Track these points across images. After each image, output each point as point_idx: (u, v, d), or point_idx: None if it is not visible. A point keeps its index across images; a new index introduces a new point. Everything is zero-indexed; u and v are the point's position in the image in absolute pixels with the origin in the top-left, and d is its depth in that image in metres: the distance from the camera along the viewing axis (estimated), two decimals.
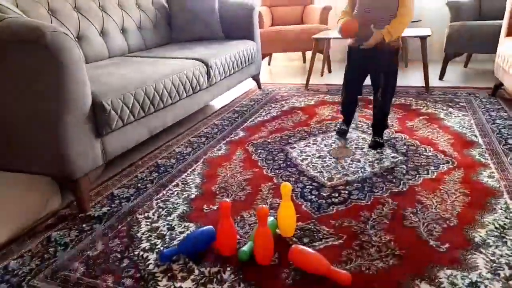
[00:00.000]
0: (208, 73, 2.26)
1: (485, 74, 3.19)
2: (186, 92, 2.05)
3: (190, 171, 1.73)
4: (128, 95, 1.59)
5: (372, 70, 1.85)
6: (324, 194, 1.47)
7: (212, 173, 1.70)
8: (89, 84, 1.40)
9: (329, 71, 3.74)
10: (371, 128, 1.98)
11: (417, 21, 3.74)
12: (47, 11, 2.01)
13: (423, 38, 2.71)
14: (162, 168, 1.79)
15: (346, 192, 1.47)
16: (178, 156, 1.91)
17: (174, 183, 1.62)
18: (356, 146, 1.92)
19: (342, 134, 2.02)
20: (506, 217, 1.24)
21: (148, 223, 1.34)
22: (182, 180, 1.65)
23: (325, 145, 1.95)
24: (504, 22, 2.42)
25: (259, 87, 3.25)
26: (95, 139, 1.46)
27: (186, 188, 1.58)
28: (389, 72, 1.81)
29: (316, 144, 1.97)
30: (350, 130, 2.08)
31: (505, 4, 2.41)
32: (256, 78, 3.20)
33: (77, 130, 1.36)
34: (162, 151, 1.99)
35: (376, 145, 1.86)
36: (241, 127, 2.29)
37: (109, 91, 1.51)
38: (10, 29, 1.26)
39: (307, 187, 1.53)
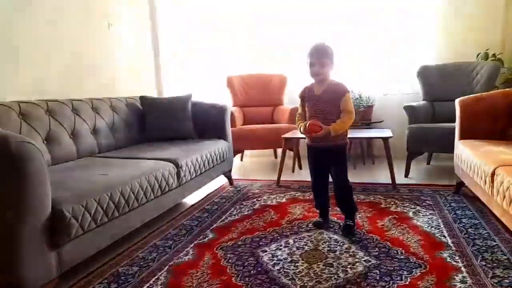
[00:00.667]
0: (178, 174, 2.26)
1: (447, 171, 3.35)
2: (154, 194, 2.01)
3: (153, 281, 1.61)
4: (91, 201, 1.54)
5: (328, 162, 2.11)
6: None
7: (177, 283, 1.59)
8: (50, 194, 1.35)
9: (300, 168, 3.84)
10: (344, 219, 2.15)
11: (380, 122, 4.01)
12: (18, 116, 2.03)
13: (385, 140, 2.87)
14: (122, 278, 1.65)
15: None
16: (141, 263, 1.79)
17: None
18: (329, 248, 1.87)
19: (318, 226, 2.17)
20: None
21: None
22: None
23: (297, 248, 1.89)
24: (457, 127, 2.63)
25: (231, 183, 3.26)
26: (50, 251, 1.36)
27: None
28: (341, 161, 2.09)
29: (288, 246, 1.92)
30: (322, 230, 2.05)
31: (455, 109, 2.65)
32: (227, 175, 3.22)
33: (32, 241, 1.28)
34: (125, 257, 1.87)
35: (347, 228, 2.05)
36: (211, 227, 2.22)
37: (71, 198, 1.46)
38: None
39: None
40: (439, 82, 3.56)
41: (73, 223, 1.43)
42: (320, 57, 1.97)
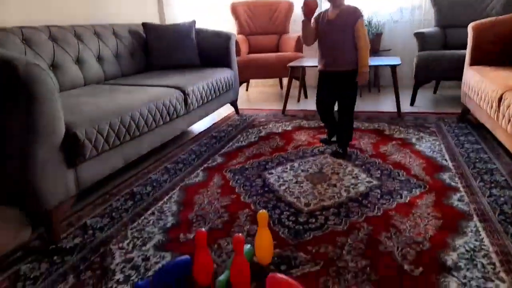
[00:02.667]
0: (185, 101, 2.28)
1: (453, 100, 3.34)
2: (163, 119, 2.05)
3: (167, 199, 1.71)
4: (103, 124, 1.58)
5: (338, 88, 2.09)
6: (301, 220, 1.48)
7: (189, 201, 1.69)
8: (62, 116, 1.38)
9: (306, 97, 3.83)
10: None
11: (388, 50, 3.91)
12: (21, 41, 2.00)
13: (393, 67, 2.83)
14: (137, 196, 1.76)
15: (323, 217, 1.49)
16: (154, 184, 1.89)
17: (149, 212, 1.60)
18: (332, 171, 1.95)
19: (325, 142, 2.37)
20: (475, 240, 1.28)
21: (123, 254, 1.31)
22: (158, 208, 1.63)
23: (302, 171, 1.97)
24: (467, 53, 2.57)
25: (237, 112, 3.29)
26: (67, 169, 1.43)
27: (162, 217, 1.55)
28: (351, 86, 2.08)
29: (293, 169, 1.99)
30: (326, 155, 2.12)
31: (467, 35, 2.57)
32: (234, 104, 3.24)
33: (49, 162, 1.33)
34: (138, 178, 1.96)
35: (335, 154, 2.15)
36: (219, 153, 2.30)
37: (83, 121, 1.50)
38: None
39: (284, 213, 1.54)
40: (453, 8, 3.40)
41: (87, 144, 1.48)
42: None
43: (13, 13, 2.20)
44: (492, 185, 1.69)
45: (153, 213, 1.58)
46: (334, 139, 2.32)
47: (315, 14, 2.00)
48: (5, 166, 1.31)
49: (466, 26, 2.59)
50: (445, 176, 1.81)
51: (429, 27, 3.54)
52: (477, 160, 1.98)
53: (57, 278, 1.20)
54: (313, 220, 1.47)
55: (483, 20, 2.51)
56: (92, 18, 2.78)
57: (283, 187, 1.78)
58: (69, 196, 1.46)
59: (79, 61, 2.34)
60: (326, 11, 2.03)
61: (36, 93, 1.26)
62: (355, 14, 1.94)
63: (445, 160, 2.01)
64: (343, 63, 2.01)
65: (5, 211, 1.45)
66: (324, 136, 2.44)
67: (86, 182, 1.54)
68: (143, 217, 1.55)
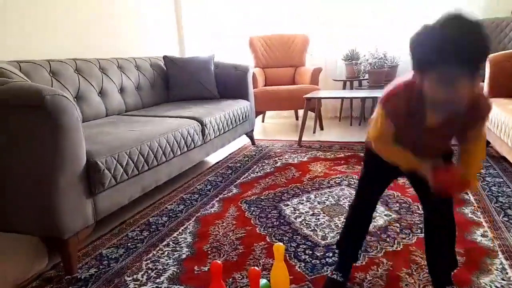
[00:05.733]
0: (203, 131, 2.32)
1: None
2: (180, 150, 2.08)
3: (182, 230, 1.71)
4: (122, 154, 1.62)
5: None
6: (318, 254, 1.45)
7: (204, 232, 1.68)
8: (84, 145, 1.42)
9: (321, 128, 3.84)
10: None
11: (396, 65, 3.81)
12: (49, 73, 2.10)
13: None
14: (153, 226, 1.76)
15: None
16: (170, 214, 1.89)
17: (165, 243, 1.59)
18: (350, 203, 1.91)
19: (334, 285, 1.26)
20: (502, 279, 1.22)
21: (137, 286, 1.30)
22: (173, 239, 1.62)
23: (319, 203, 1.94)
24: (485, 85, 2.55)
25: (253, 143, 3.31)
26: (86, 199, 1.45)
27: (177, 248, 1.54)
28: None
29: (310, 201, 1.97)
30: (343, 186, 2.10)
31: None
32: (250, 135, 3.27)
33: (70, 190, 1.36)
34: (155, 208, 1.97)
35: None
36: (235, 183, 2.30)
37: (104, 151, 1.53)
38: (12, 92, 1.32)
39: (301, 246, 1.51)
40: None
41: (106, 173, 1.51)
42: (473, 68, 0.83)
43: (43, 47, 2.32)
44: None
45: (168, 244, 1.58)
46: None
47: (388, 104, 1.00)
48: (27, 192, 1.34)
49: None
50: (467, 210, 1.76)
51: None
52: (500, 194, 1.92)
53: None
54: (330, 254, 1.44)
55: (500, 53, 2.52)
56: (117, 52, 2.90)
57: (299, 219, 1.76)
58: (87, 225, 1.47)
59: (102, 93, 2.43)
60: (417, 99, 0.94)
61: (62, 122, 1.31)
62: (484, 107, 0.96)
63: (466, 193, 1.96)
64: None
65: (23, 240, 1.47)
66: (332, 272, 1.29)
67: (103, 211, 1.55)
68: (158, 248, 1.55)
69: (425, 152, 1.03)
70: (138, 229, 1.74)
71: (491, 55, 2.51)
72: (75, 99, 2.22)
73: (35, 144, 1.31)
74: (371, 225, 1.44)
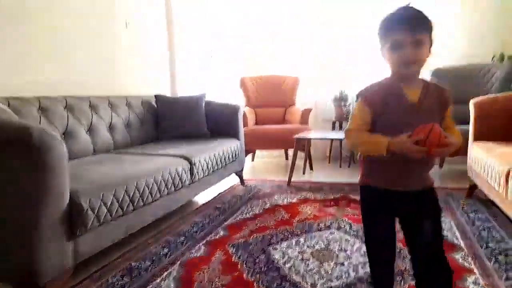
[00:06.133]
0: (191, 170, 2.29)
1: (460, 174, 3.31)
2: (168, 190, 2.05)
3: (165, 275, 1.64)
4: (107, 194, 1.58)
5: (411, 215, 1.17)
6: None
7: (189, 278, 1.61)
8: (68, 184, 1.39)
9: (311, 169, 3.84)
10: None
11: None
12: (38, 110, 2.08)
13: None
14: (135, 271, 1.68)
15: None
16: (153, 258, 1.82)
17: None
18: (339, 248, 1.87)
19: None
20: None
21: None
22: (155, 285, 1.55)
23: (308, 247, 1.90)
24: (471, 128, 2.61)
25: (242, 183, 3.28)
26: (67, 241, 1.40)
27: None
28: (436, 215, 1.18)
29: (299, 245, 1.93)
30: (333, 230, 2.06)
31: (469, 110, 2.63)
32: (239, 174, 3.24)
33: (50, 231, 1.31)
34: (138, 251, 1.90)
35: None
36: (222, 225, 2.25)
37: (88, 190, 1.50)
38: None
39: None
40: (454, 84, 3.52)
41: (89, 214, 1.47)
42: (415, 27, 1.05)
43: (35, 84, 2.33)
44: (508, 266, 1.61)
45: None
46: None
47: (364, 92, 1.15)
48: (4, 235, 1.28)
49: (468, 102, 2.66)
50: (458, 256, 1.73)
51: None
52: (490, 239, 1.90)
53: None
54: None
55: (484, 97, 2.59)
56: (109, 89, 2.91)
57: (288, 265, 1.71)
58: (66, 269, 1.40)
59: (91, 130, 2.41)
60: (392, 85, 1.13)
61: (47, 160, 1.29)
62: (447, 91, 1.17)
63: (456, 238, 1.94)
64: (426, 174, 1.18)
65: None
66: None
67: (84, 254, 1.49)
68: None
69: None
70: (120, 273, 1.66)
71: (474, 100, 2.59)
72: (63, 136, 2.19)
73: (19, 181, 1.27)
74: (362, 271, 1.41)
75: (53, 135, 1.32)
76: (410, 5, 1.10)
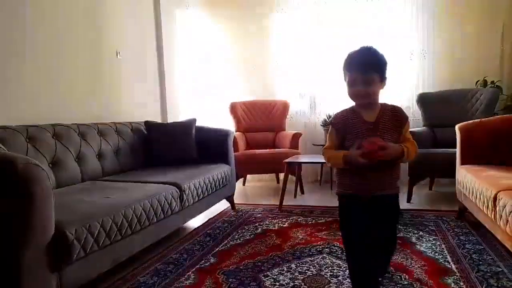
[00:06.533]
0: (181, 197, 2.27)
1: (450, 197, 3.33)
2: (157, 217, 2.02)
3: None
4: (94, 223, 1.55)
5: (378, 220, 1.48)
6: None
7: None
8: (53, 216, 1.36)
9: (302, 192, 3.83)
10: None
11: None
12: (25, 139, 2.07)
13: None
14: None
15: None
16: (142, 287, 1.77)
17: None
18: (331, 273, 1.85)
19: None
20: None
21: None
22: None
23: (299, 273, 1.87)
24: (457, 152, 2.64)
25: (233, 208, 3.25)
26: (51, 273, 1.36)
27: None
28: (394, 218, 1.58)
29: (290, 271, 1.90)
30: (324, 255, 2.04)
31: (455, 135, 2.68)
32: (230, 199, 3.22)
33: (34, 265, 1.28)
34: (126, 281, 1.85)
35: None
36: (213, 252, 2.21)
37: (74, 220, 1.47)
38: None
39: None
40: (439, 109, 3.61)
41: (75, 245, 1.43)
42: (365, 70, 1.36)
43: (23, 112, 2.32)
44: None
45: None
46: None
47: (333, 118, 1.54)
48: None
49: (453, 126, 2.71)
50: (450, 280, 1.72)
51: (419, 126, 3.71)
52: (481, 263, 1.90)
53: None
54: None
55: (469, 122, 2.64)
56: (98, 117, 2.91)
57: None
58: None
59: (79, 158, 2.39)
60: (354, 111, 1.48)
61: (32, 192, 1.26)
62: (403, 112, 1.48)
63: (448, 262, 1.93)
64: (391, 182, 1.46)
65: None
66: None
67: (70, 286, 1.45)
68: None
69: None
70: None
71: (460, 124, 2.64)
72: (50, 165, 2.17)
73: (2, 214, 1.24)
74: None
75: (38, 167, 1.30)
76: (369, 47, 1.41)
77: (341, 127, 1.47)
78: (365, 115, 1.45)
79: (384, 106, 1.48)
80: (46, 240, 1.33)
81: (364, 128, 1.42)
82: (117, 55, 3.26)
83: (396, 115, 1.46)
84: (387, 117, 1.44)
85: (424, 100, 3.70)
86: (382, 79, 1.41)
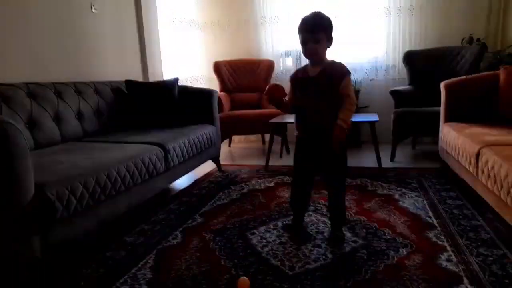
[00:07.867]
0: (166, 158, 2.23)
1: (432, 155, 3.40)
2: (141, 178, 1.98)
3: (142, 265, 1.60)
4: (76, 184, 1.51)
5: (323, 158, 1.74)
6: (285, 286, 1.39)
7: (166, 266, 1.58)
8: (32, 176, 1.31)
9: (288, 152, 3.84)
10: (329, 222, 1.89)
11: (366, 107, 4.03)
12: None
13: (372, 123, 2.89)
14: (110, 261, 1.64)
15: (308, 283, 1.40)
16: (129, 247, 1.77)
17: (121, 280, 1.48)
18: (317, 230, 1.88)
19: (289, 229, 1.89)
20: None
21: None
22: (131, 275, 1.51)
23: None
24: (442, 110, 2.66)
25: (219, 169, 3.25)
26: (34, 235, 1.33)
27: (136, 286, 1.43)
28: (339, 159, 1.74)
29: (277, 229, 1.92)
30: (310, 212, 2.06)
31: (440, 92, 2.68)
32: (216, 160, 3.20)
33: (15, 226, 1.24)
34: (112, 241, 1.84)
35: (336, 239, 1.74)
36: (199, 212, 2.21)
37: (55, 181, 1.42)
38: None
39: (268, 278, 1.45)
40: (425, 67, 3.59)
41: (58, 206, 1.40)
42: (313, 32, 1.60)
43: None
44: (479, 243, 1.66)
45: (125, 281, 1.46)
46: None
47: (291, 74, 1.80)
48: None
49: (439, 84, 2.70)
50: (431, 234, 1.77)
51: (404, 85, 3.69)
52: (461, 217, 1.96)
53: None
54: (298, 286, 1.38)
55: (454, 79, 2.64)
56: (75, 75, 2.78)
57: (266, 249, 1.70)
58: (35, 262, 1.34)
59: (57, 118, 2.30)
60: (305, 67, 1.74)
61: (7, 150, 1.20)
62: (342, 70, 1.64)
63: (429, 217, 1.98)
64: (327, 124, 1.64)
65: None
66: (288, 220, 2.00)
67: (55, 247, 1.43)
68: (114, 287, 1.43)
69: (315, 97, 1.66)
70: (94, 265, 1.61)
71: (444, 82, 2.63)
72: (27, 125, 2.08)
73: None
74: (338, 252, 1.44)
75: (13, 125, 1.23)
76: (318, 12, 1.65)
77: (294, 82, 1.77)
78: (310, 71, 1.70)
79: (328, 62, 1.69)
80: (26, 201, 1.28)
81: (307, 83, 1.69)
82: (91, 8, 3.06)
83: (334, 70, 1.65)
84: (327, 72, 1.64)
85: (410, 59, 3.67)
86: (329, 38, 1.65)
